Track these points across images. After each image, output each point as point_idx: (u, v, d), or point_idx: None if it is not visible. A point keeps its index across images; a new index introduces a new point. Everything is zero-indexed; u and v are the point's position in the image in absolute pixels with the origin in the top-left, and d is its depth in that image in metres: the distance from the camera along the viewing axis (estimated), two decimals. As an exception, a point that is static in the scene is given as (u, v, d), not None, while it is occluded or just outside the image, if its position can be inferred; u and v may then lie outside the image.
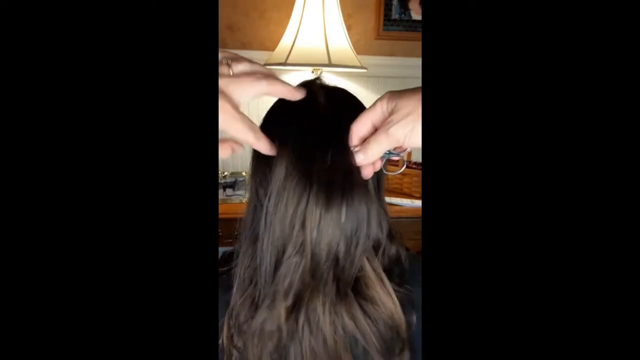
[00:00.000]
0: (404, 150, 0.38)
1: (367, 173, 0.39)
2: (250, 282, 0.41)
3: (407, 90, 0.36)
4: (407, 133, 0.35)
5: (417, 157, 1.55)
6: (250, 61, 0.38)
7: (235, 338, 0.42)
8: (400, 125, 0.35)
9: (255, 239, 0.40)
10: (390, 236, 0.43)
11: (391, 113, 0.36)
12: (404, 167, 0.71)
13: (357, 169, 0.39)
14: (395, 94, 0.36)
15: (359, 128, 0.38)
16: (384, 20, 1.57)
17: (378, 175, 0.42)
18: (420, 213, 0.34)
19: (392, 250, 0.43)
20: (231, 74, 0.36)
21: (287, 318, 0.39)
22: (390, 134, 0.36)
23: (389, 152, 0.38)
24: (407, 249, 0.46)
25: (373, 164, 0.39)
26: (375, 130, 0.38)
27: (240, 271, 0.41)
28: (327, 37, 1.25)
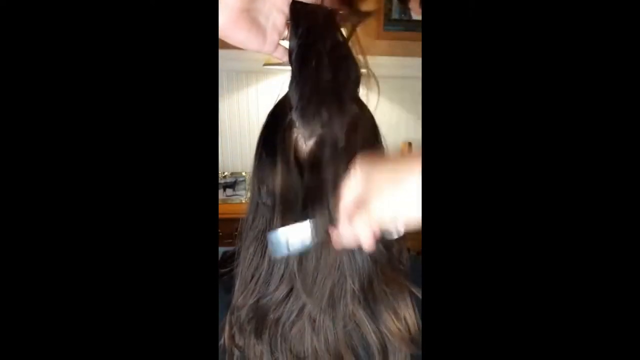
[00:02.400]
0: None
1: (368, 246, 0.33)
2: (252, 279, 0.41)
3: (379, 156, 0.34)
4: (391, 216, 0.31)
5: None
6: None
7: (237, 337, 0.42)
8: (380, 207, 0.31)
9: (257, 237, 0.40)
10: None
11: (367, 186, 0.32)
12: None
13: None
14: (365, 162, 0.33)
15: (345, 205, 0.34)
16: (384, 20, 1.57)
17: None
18: (420, 213, 0.33)
19: (394, 250, 0.43)
20: None
21: (289, 316, 0.39)
22: (373, 217, 0.31)
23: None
24: (408, 250, 0.46)
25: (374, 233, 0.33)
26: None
27: (241, 269, 0.41)
28: (327, 37, 1.24)
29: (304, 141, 0.38)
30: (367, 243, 0.33)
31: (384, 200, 0.31)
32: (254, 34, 0.35)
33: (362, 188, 0.32)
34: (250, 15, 0.35)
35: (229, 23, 0.33)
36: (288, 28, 0.38)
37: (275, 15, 0.36)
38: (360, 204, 0.32)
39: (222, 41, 0.34)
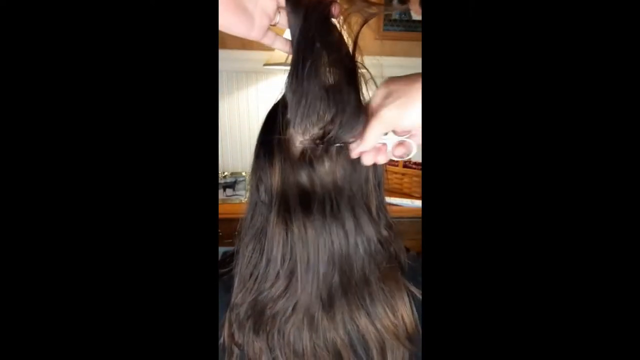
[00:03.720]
0: (410, 133, 0.37)
1: (367, 160, 0.38)
2: (250, 276, 0.41)
3: (405, 75, 0.36)
4: (397, 114, 0.35)
5: (417, 157, 1.54)
6: None
7: (237, 335, 0.42)
8: (390, 107, 0.35)
9: (255, 235, 0.41)
10: (391, 236, 0.43)
11: (386, 97, 0.36)
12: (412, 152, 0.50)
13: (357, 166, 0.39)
14: (391, 79, 0.37)
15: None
16: (384, 20, 1.57)
17: (378, 172, 0.42)
18: (420, 213, 0.34)
19: (392, 249, 0.43)
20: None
21: (285, 312, 0.39)
22: (380, 117, 0.35)
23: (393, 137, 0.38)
24: (408, 249, 0.46)
25: (376, 150, 0.38)
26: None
27: (241, 267, 0.41)
28: (327, 37, 1.24)
29: (300, 140, 0.39)
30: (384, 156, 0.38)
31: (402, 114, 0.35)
32: (240, 18, 0.35)
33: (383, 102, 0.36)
34: (236, 0, 0.34)
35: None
36: (279, 14, 0.37)
37: (264, 0, 0.36)
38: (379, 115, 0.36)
39: (222, 41, 0.34)
